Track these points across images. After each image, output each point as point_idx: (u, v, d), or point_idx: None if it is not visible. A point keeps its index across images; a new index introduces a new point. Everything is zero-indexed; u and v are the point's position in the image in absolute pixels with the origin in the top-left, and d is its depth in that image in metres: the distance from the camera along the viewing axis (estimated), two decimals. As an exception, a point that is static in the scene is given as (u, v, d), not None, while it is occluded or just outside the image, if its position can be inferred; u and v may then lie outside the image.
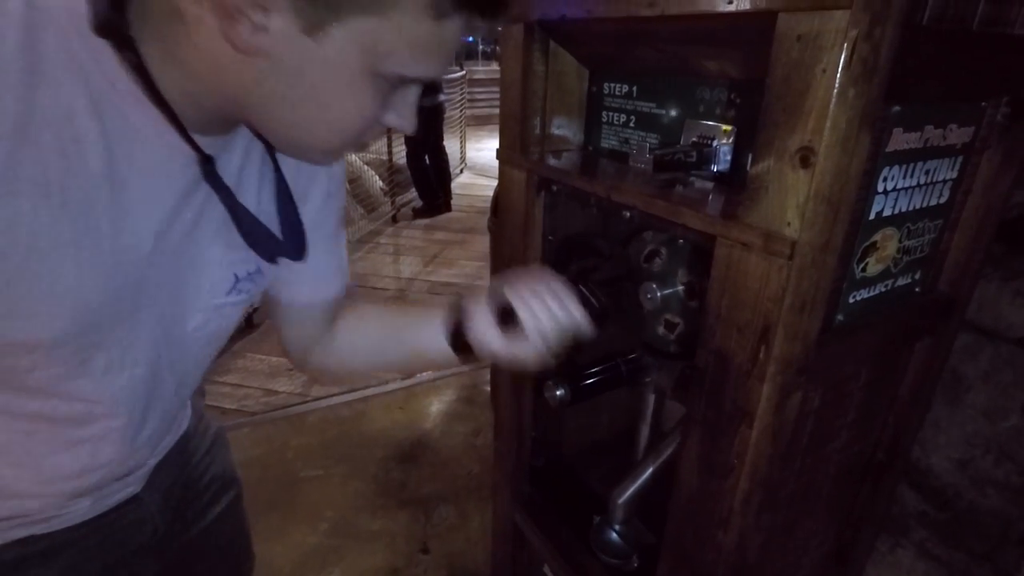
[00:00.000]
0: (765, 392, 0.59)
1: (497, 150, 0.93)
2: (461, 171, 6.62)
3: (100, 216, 0.44)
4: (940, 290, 0.80)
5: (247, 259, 0.57)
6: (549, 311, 0.61)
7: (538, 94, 0.85)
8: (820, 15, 0.46)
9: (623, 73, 0.83)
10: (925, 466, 1.05)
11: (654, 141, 0.81)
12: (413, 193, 5.16)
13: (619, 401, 1.16)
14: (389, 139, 4.81)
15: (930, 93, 0.61)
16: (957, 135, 0.66)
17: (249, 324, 2.91)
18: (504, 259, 0.99)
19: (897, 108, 0.58)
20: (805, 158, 0.50)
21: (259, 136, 0.53)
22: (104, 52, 0.40)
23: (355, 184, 4.64)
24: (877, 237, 0.65)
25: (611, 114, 0.87)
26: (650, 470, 0.88)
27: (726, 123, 0.70)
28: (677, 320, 0.77)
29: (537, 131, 0.87)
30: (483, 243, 3.13)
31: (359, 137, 0.48)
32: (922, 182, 0.66)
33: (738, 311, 0.59)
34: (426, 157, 4.83)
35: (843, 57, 0.46)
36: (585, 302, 0.64)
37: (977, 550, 1.01)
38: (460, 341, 0.66)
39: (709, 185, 0.72)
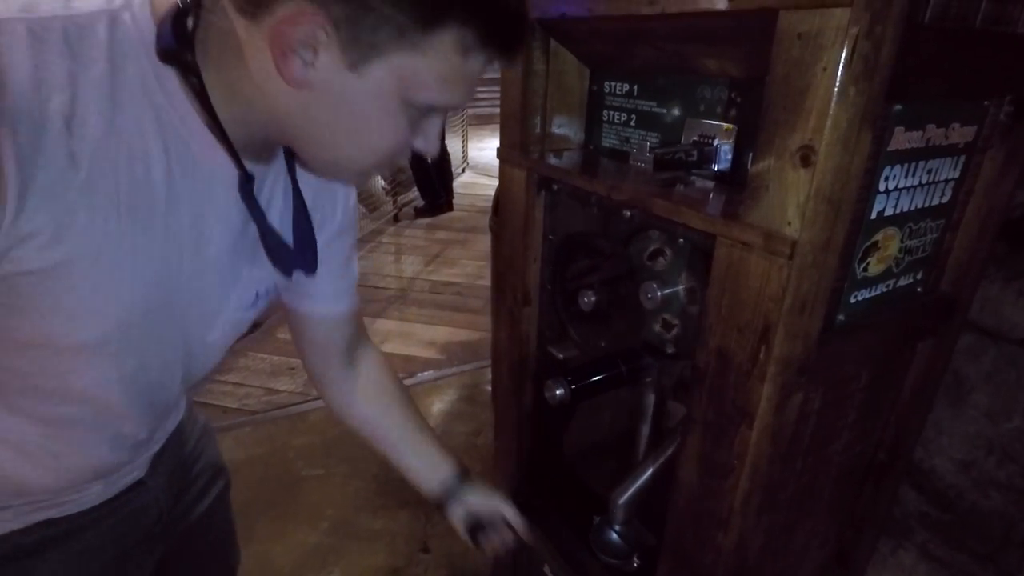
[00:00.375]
0: (765, 392, 0.59)
1: (497, 149, 0.92)
2: (463, 170, 6.62)
3: (157, 227, 0.47)
4: (942, 290, 0.79)
5: (266, 276, 0.61)
6: (503, 543, 0.82)
7: (538, 93, 0.85)
8: (821, 13, 0.46)
9: (624, 72, 0.83)
10: (927, 467, 1.04)
11: (655, 140, 0.81)
12: (415, 192, 5.15)
13: (619, 401, 1.16)
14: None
15: (932, 92, 0.61)
16: (959, 134, 0.66)
17: (252, 324, 2.91)
18: (505, 258, 0.99)
19: (898, 107, 0.57)
20: (806, 157, 0.49)
21: (285, 156, 0.57)
22: (168, 76, 0.44)
23: (357, 183, 4.64)
24: (878, 237, 0.65)
25: (612, 113, 0.86)
26: (650, 470, 0.88)
27: (727, 122, 0.70)
28: (677, 320, 0.77)
29: (537, 130, 0.87)
30: (485, 242, 3.13)
31: (391, 160, 0.52)
32: (924, 181, 0.65)
33: (738, 311, 0.59)
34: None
35: (844, 55, 0.45)
36: None
37: (980, 552, 1.00)
38: (440, 506, 0.82)
39: (710, 184, 0.71)
